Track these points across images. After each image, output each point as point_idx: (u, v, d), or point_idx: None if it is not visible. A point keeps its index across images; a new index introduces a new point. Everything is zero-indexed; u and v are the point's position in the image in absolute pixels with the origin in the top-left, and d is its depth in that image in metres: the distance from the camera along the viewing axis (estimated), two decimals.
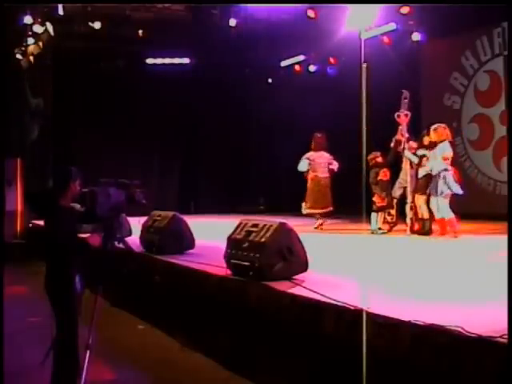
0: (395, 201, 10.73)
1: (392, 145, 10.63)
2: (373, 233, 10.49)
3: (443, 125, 9.70)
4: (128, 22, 15.25)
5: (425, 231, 9.87)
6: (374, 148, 10.48)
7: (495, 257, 6.78)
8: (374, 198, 10.58)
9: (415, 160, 10.00)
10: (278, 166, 18.45)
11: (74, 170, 4.89)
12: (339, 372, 4.44)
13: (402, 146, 10.16)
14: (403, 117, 10.17)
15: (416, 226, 10.04)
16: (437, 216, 9.50)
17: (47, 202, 5.00)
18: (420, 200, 9.92)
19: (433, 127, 9.64)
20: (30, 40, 14.99)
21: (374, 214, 10.58)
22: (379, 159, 10.70)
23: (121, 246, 5.22)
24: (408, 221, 10.13)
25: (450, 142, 9.70)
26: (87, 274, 4.76)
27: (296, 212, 12.42)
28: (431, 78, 14.74)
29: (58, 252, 4.71)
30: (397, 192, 10.65)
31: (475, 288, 5.37)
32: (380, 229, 10.56)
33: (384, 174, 10.59)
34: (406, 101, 10.15)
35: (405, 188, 10.41)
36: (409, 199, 10.12)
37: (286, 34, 15.10)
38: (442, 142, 9.47)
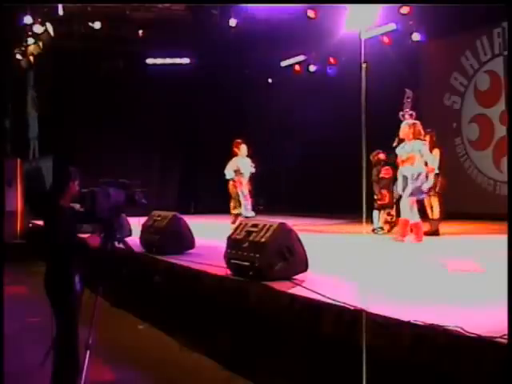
0: (395, 200, 10.72)
1: (394, 144, 10.60)
2: (374, 230, 10.49)
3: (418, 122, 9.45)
4: (128, 22, 15.27)
5: (433, 231, 9.87)
6: (375, 147, 10.49)
7: (495, 257, 6.77)
8: (376, 196, 10.59)
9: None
10: (278, 165, 18.45)
11: (74, 170, 4.88)
12: (339, 372, 4.44)
13: None
14: (408, 116, 10.13)
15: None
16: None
17: (47, 202, 4.99)
18: (432, 200, 9.92)
19: (411, 122, 9.30)
20: (30, 40, 15.01)
21: (375, 212, 10.59)
22: (382, 156, 10.71)
23: (121, 246, 5.21)
24: None
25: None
26: (87, 273, 4.76)
27: (296, 212, 12.41)
28: (431, 77, 14.73)
29: (58, 252, 4.71)
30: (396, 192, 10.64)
31: (475, 288, 5.36)
32: (381, 228, 10.56)
33: (386, 172, 10.58)
34: (409, 100, 10.13)
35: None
36: None
37: (286, 34, 15.10)
38: (417, 140, 9.16)
